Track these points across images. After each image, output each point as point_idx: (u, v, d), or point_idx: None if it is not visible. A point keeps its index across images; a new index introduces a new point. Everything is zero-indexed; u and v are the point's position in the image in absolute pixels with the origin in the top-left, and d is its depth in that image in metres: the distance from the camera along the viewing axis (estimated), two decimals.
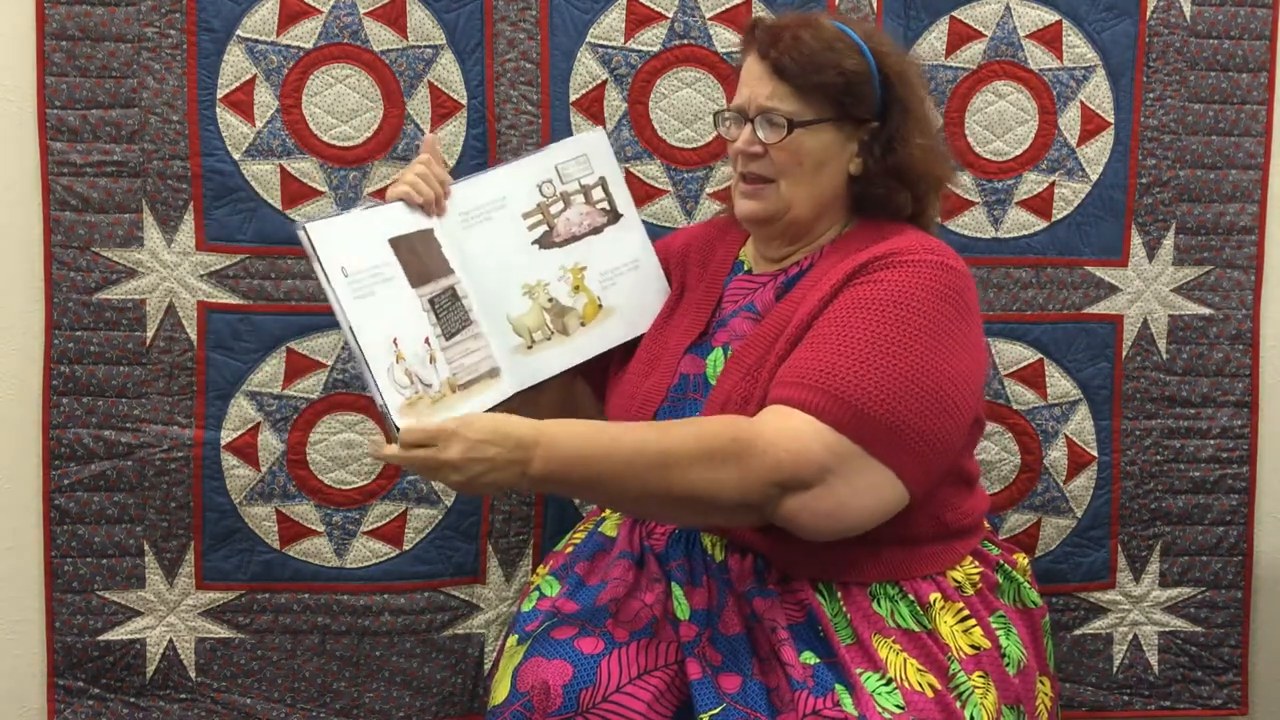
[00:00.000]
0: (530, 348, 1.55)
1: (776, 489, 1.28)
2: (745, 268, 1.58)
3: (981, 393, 1.44)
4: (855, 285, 1.38)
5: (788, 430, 1.28)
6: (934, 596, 1.41)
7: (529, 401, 1.71)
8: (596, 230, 1.64)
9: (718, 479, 1.27)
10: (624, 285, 1.63)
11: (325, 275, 1.36)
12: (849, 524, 1.32)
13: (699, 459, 1.27)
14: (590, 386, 1.71)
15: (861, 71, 1.44)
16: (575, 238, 1.62)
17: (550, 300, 1.59)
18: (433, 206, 1.51)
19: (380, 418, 1.39)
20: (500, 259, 1.56)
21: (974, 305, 1.43)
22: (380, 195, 1.83)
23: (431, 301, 1.46)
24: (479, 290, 1.52)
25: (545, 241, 1.60)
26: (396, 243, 1.45)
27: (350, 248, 1.40)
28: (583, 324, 1.60)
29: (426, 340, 1.43)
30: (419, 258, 1.47)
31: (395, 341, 1.38)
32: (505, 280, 1.56)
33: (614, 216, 1.65)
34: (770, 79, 1.45)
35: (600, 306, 1.61)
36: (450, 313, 1.48)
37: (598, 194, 1.65)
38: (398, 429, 1.30)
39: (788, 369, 1.34)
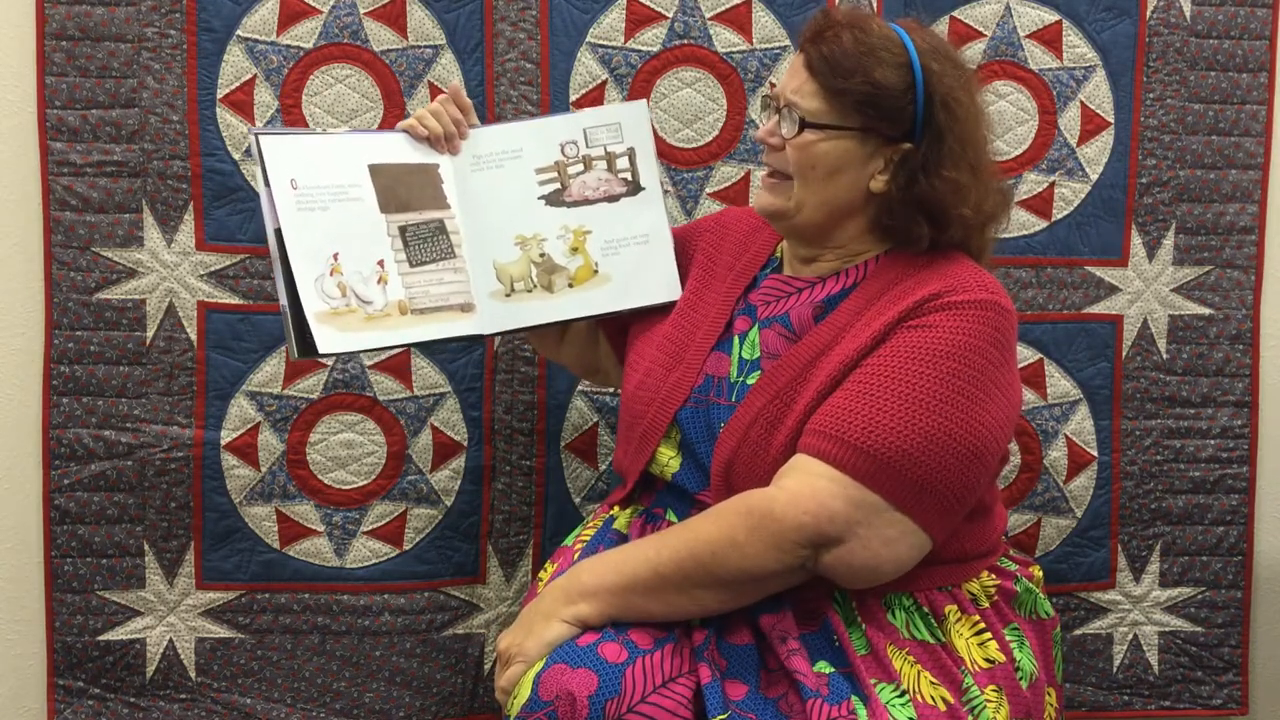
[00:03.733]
0: (508, 295, 1.60)
1: (808, 549, 1.29)
2: (780, 266, 1.56)
3: (1012, 434, 1.43)
4: (906, 329, 1.35)
5: (805, 491, 1.29)
6: (949, 609, 1.40)
7: (553, 350, 1.79)
8: (612, 198, 1.65)
9: (750, 555, 1.29)
10: (627, 256, 1.64)
11: (267, 182, 1.47)
12: (884, 573, 1.33)
13: (725, 544, 1.30)
14: (614, 350, 1.71)
15: (895, 86, 1.37)
16: (587, 201, 1.64)
17: (542, 255, 1.62)
18: (441, 143, 1.60)
19: (293, 325, 1.47)
20: (501, 206, 1.61)
21: (1015, 342, 1.41)
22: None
23: (402, 229, 1.55)
24: (471, 230, 1.59)
25: (553, 199, 1.64)
26: (376, 169, 1.55)
27: (310, 165, 1.51)
28: (571, 285, 1.62)
29: (380, 262, 1.52)
30: (405, 187, 1.57)
31: (335, 256, 1.48)
32: (500, 227, 1.61)
33: (634, 189, 1.66)
34: (803, 72, 1.42)
35: (596, 272, 1.63)
36: (426, 243, 1.56)
37: (622, 164, 1.65)
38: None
39: (823, 417, 1.33)
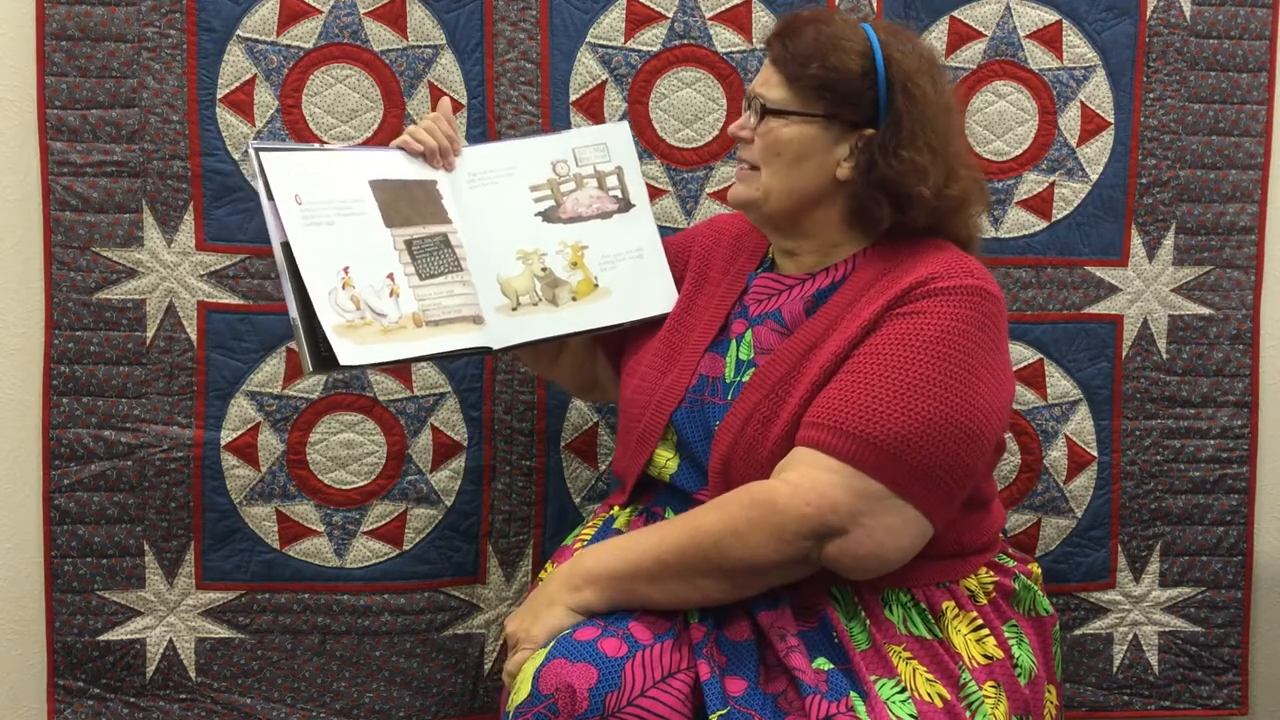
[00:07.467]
0: (515, 309, 1.60)
1: (810, 540, 1.30)
2: (772, 264, 1.57)
3: (1007, 418, 1.43)
4: (895, 318, 1.37)
5: (806, 483, 1.30)
6: (947, 605, 1.40)
7: (548, 366, 1.78)
8: (604, 215, 1.67)
9: (752, 545, 1.30)
10: (623, 270, 1.65)
11: (271, 197, 1.46)
12: (889, 562, 1.33)
13: (727, 534, 1.31)
14: (610, 363, 1.72)
15: (852, 71, 1.41)
16: (581, 218, 1.66)
17: (544, 270, 1.63)
18: (435, 157, 1.61)
19: (307, 339, 1.45)
20: (500, 222, 1.63)
21: (1005, 328, 1.42)
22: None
23: (408, 242, 1.55)
24: (474, 245, 1.59)
25: (550, 216, 1.66)
26: (376, 184, 1.55)
27: (313, 180, 1.50)
28: (574, 299, 1.63)
29: (390, 276, 1.51)
30: (407, 202, 1.57)
31: (345, 270, 1.47)
32: (502, 242, 1.62)
33: (625, 206, 1.69)
34: (770, 66, 1.48)
35: (596, 286, 1.64)
36: (433, 256, 1.56)
37: (612, 181, 1.69)
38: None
39: (820, 408, 1.34)
